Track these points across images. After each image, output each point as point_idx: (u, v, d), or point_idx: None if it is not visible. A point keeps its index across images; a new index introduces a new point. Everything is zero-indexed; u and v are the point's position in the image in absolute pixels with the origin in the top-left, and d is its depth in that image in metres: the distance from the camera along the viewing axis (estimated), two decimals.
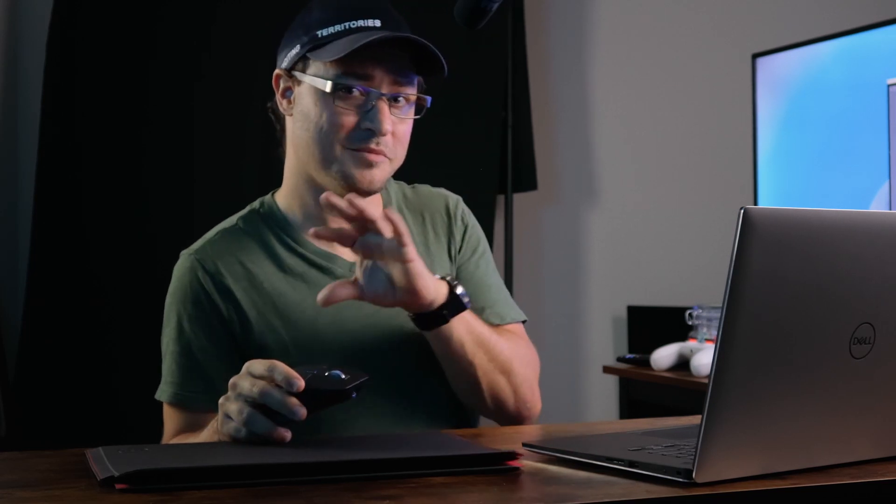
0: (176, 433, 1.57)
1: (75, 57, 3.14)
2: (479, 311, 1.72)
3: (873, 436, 1.19)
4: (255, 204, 1.68)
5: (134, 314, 3.02)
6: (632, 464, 1.13)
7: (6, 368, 3.06)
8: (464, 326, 1.53)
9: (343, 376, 1.30)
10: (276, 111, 1.66)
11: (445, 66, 1.57)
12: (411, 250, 1.45)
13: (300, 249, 1.62)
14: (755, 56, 3.01)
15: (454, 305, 1.51)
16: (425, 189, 1.77)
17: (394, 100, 1.57)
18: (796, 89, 2.90)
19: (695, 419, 1.43)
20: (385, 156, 1.57)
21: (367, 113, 1.55)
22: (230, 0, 3.25)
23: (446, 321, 1.52)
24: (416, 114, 1.61)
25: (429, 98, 1.60)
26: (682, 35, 3.81)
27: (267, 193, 1.69)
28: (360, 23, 1.55)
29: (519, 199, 3.57)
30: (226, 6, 3.24)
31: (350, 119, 1.55)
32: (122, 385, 3.05)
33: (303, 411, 1.25)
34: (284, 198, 1.65)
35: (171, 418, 1.58)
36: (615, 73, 3.78)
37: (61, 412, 3.08)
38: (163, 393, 1.58)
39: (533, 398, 1.64)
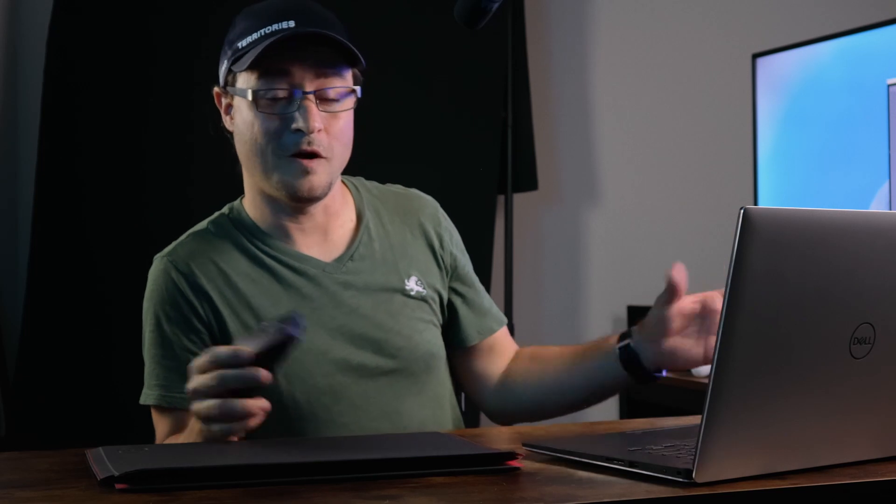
0: (167, 436, 1.57)
1: (75, 57, 3.13)
2: (483, 316, 1.73)
3: (873, 436, 1.19)
4: (225, 209, 1.69)
5: (134, 314, 2.99)
6: (632, 464, 1.13)
7: (6, 368, 3.06)
8: None
9: (279, 324, 1.31)
10: (226, 130, 1.67)
11: (361, 57, 1.55)
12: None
13: (272, 252, 1.62)
14: (755, 56, 3.01)
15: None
16: (398, 189, 1.77)
17: (324, 96, 1.56)
18: (796, 89, 2.90)
19: (695, 419, 1.43)
20: (321, 156, 1.56)
21: (293, 113, 1.54)
22: (230, 1, 3.25)
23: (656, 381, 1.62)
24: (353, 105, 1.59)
25: (358, 88, 1.59)
26: (682, 35, 3.81)
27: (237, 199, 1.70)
28: (275, 27, 1.55)
29: (519, 199, 3.57)
30: (226, 7, 3.24)
31: (278, 123, 1.55)
32: (122, 385, 3.03)
33: (264, 373, 1.28)
34: (249, 206, 1.66)
35: (160, 421, 1.58)
36: (615, 72, 3.78)
37: (61, 412, 3.08)
38: (148, 396, 1.57)
39: None
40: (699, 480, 1.06)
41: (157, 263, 1.62)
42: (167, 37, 3.21)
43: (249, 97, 1.55)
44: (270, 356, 1.30)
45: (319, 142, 1.55)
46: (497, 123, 3.45)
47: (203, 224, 1.67)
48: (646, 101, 3.79)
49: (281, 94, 1.54)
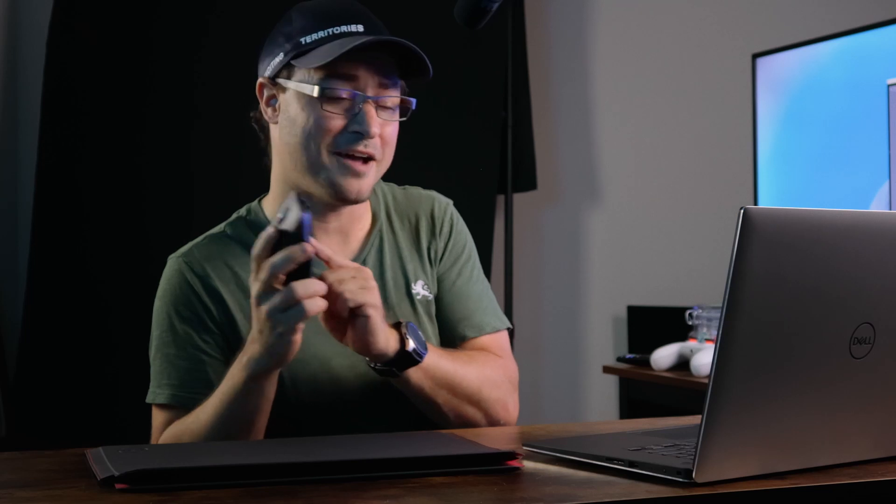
0: (165, 426, 1.56)
1: (75, 57, 3.14)
2: (456, 323, 1.70)
3: (873, 436, 1.19)
4: (242, 211, 1.68)
5: (134, 314, 3.01)
6: (632, 464, 1.13)
7: (6, 368, 3.07)
8: (420, 372, 1.52)
9: (294, 209, 1.36)
10: (259, 121, 1.67)
11: (430, 68, 1.58)
12: (370, 304, 1.44)
13: None
14: (755, 56, 3.01)
15: (403, 362, 1.50)
16: (415, 191, 1.77)
17: (383, 105, 1.58)
18: (796, 89, 2.90)
19: (695, 419, 1.43)
20: (373, 158, 1.57)
21: (355, 116, 1.56)
22: (229, 2, 3.25)
23: (396, 376, 1.51)
24: (401, 116, 1.61)
25: (413, 100, 1.61)
26: (682, 35, 3.81)
27: (255, 199, 1.70)
28: (344, 28, 1.57)
29: (519, 199, 3.57)
30: (225, 8, 3.24)
31: (338, 122, 1.56)
32: (122, 385, 3.05)
33: (306, 246, 1.34)
34: (271, 205, 1.66)
35: (163, 419, 1.57)
36: (615, 72, 3.78)
37: (61, 412, 3.08)
38: (158, 395, 1.56)
39: (507, 414, 1.64)
40: (699, 480, 1.06)
41: (172, 264, 1.62)
42: (167, 37, 3.21)
43: (315, 93, 1.56)
44: (299, 232, 1.35)
45: (374, 145, 1.57)
46: (497, 123, 3.46)
47: (220, 227, 1.67)
48: (646, 102, 3.79)
49: (344, 94, 1.56)
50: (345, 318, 1.45)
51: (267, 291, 1.35)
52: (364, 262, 1.64)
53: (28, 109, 3.19)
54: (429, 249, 1.71)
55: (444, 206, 1.75)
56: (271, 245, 1.36)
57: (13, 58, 3.26)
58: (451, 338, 1.70)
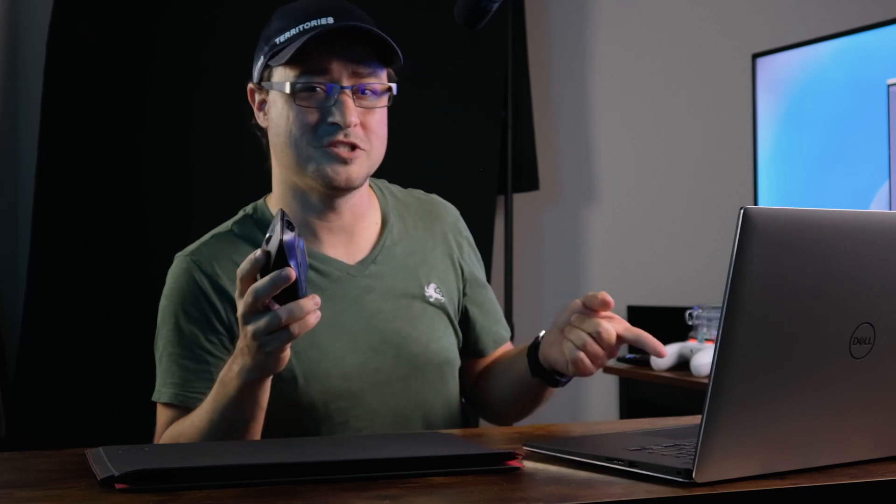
0: (169, 424, 1.56)
1: (75, 57, 3.14)
2: (497, 323, 1.77)
3: (873, 436, 1.19)
4: (248, 209, 1.68)
5: (134, 314, 3.02)
6: (632, 464, 1.13)
7: (6, 368, 3.06)
8: None
9: (277, 231, 1.32)
10: (258, 126, 1.67)
11: (399, 53, 1.57)
12: None
13: None
14: (755, 56, 3.01)
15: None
16: (420, 194, 1.78)
17: (360, 92, 1.57)
18: (796, 89, 2.90)
19: (695, 419, 1.43)
20: (359, 147, 1.57)
21: (331, 107, 1.55)
22: (230, 2, 3.25)
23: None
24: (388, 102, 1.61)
25: (394, 85, 1.60)
26: (682, 35, 3.81)
27: (261, 198, 1.70)
28: (314, 23, 1.56)
29: (519, 199, 3.57)
30: (225, 8, 3.24)
31: (314, 116, 1.56)
32: (122, 385, 3.05)
33: (288, 270, 1.28)
34: (274, 205, 1.66)
35: (166, 418, 1.57)
36: (616, 72, 3.78)
37: (61, 412, 3.08)
38: (163, 394, 1.57)
39: None
40: (699, 480, 1.06)
41: (180, 262, 1.61)
42: (167, 37, 3.21)
43: (287, 90, 1.56)
44: (282, 255, 1.30)
45: (356, 135, 1.56)
46: (497, 123, 3.46)
47: (227, 225, 1.67)
48: (646, 101, 3.79)
49: (318, 88, 1.56)
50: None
51: (253, 313, 1.31)
52: (375, 262, 1.64)
53: (28, 109, 3.19)
54: (453, 258, 1.73)
55: (456, 214, 1.78)
56: (257, 268, 1.31)
57: (13, 58, 3.26)
58: (494, 340, 1.76)
